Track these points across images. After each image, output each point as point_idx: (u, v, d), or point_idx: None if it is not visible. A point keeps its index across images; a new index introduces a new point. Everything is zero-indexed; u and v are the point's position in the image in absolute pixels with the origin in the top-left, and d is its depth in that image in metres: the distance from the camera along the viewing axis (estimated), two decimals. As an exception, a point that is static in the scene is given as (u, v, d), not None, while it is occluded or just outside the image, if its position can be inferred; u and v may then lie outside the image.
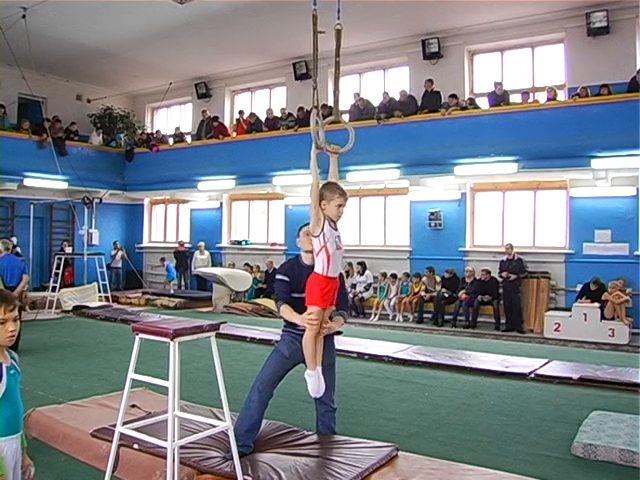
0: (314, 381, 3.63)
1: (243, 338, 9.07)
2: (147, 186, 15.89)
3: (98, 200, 13.88)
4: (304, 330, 3.66)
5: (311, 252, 3.72)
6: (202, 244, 15.21)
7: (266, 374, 4.04)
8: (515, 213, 11.98)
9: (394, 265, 12.41)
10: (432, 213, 12.33)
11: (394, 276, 12.20)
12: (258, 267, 14.48)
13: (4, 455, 2.28)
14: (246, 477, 3.37)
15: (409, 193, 12.59)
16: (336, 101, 4.13)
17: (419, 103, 12.01)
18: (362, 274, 12.56)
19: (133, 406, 4.55)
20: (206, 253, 15.24)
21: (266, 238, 15.24)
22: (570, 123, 9.99)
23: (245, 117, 14.59)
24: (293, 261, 4.02)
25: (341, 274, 3.92)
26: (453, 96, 11.56)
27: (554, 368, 6.88)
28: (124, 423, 3.35)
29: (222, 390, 3.25)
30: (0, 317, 2.28)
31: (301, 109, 13.23)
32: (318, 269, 3.50)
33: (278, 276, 3.98)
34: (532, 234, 11.68)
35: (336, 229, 3.54)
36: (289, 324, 3.95)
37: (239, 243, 15.42)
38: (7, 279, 7.57)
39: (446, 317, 11.44)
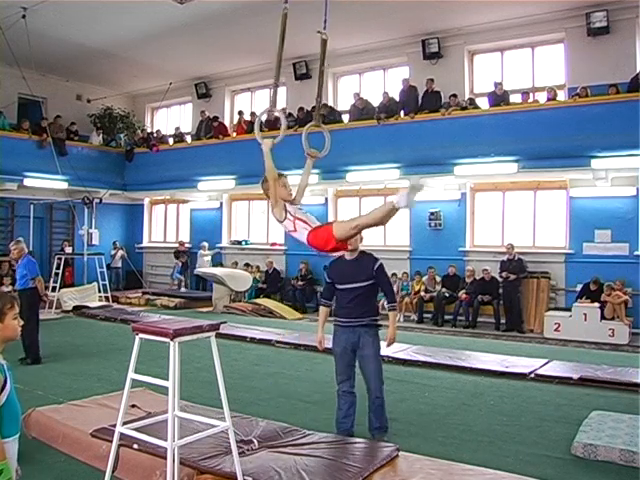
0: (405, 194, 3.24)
1: (243, 338, 9.09)
2: (147, 186, 15.89)
3: (98, 200, 13.89)
4: (346, 321, 4.41)
5: (353, 250, 4.45)
6: (205, 244, 15.12)
7: (336, 372, 4.59)
8: (515, 213, 11.97)
9: (394, 265, 12.37)
10: (432, 213, 12.32)
11: (394, 275, 12.18)
12: (258, 267, 14.48)
13: (9, 457, 2.26)
14: (246, 477, 3.37)
15: (409, 193, 12.56)
16: (318, 107, 4.43)
17: (419, 103, 12.01)
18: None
19: (133, 406, 4.55)
20: (209, 253, 15.15)
21: (266, 238, 15.23)
22: (570, 123, 9.98)
23: (245, 117, 14.60)
24: (337, 260, 4.63)
25: (381, 265, 4.51)
26: (453, 96, 11.56)
27: (554, 368, 6.88)
28: (124, 423, 3.36)
29: (222, 390, 3.25)
30: (16, 312, 2.38)
31: (301, 109, 13.24)
32: (306, 230, 3.58)
33: (325, 276, 4.74)
34: (532, 234, 11.67)
35: (293, 203, 3.78)
36: (335, 315, 4.58)
37: (239, 243, 15.42)
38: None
39: (446, 317, 11.44)
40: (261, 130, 4.29)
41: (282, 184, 3.80)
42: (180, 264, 15.22)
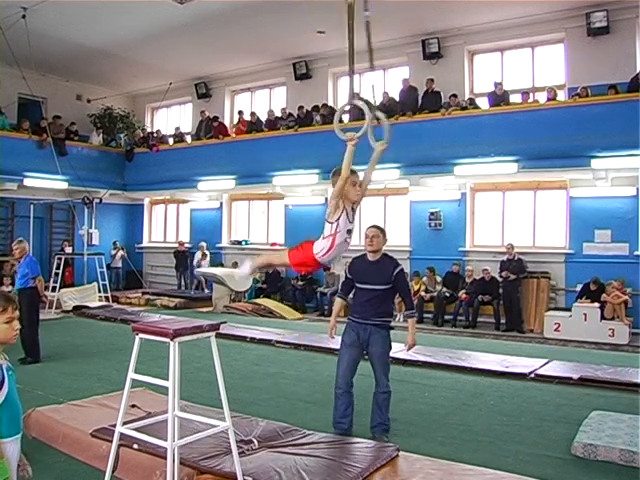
0: (239, 274, 4.07)
1: (243, 338, 9.09)
2: (147, 186, 15.89)
3: (98, 200, 13.88)
4: (359, 319, 4.50)
5: (375, 252, 4.53)
6: (204, 244, 14.98)
7: (338, 366, 4.62)
8: (515, 213, 11.97)
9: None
10: (432, 213, 12.32)
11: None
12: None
13: (8, 456, 2.27)
14: (246, 477, 3.37)
15: (409, 193, 12.58)
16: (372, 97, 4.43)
17: (419, 103, 12.02)
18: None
19: (133, 406, 4.55)
20: (207, 254, 14.91)
21: (266, 238, 15.23)
22: (570, 123, 9.98)
23: (245, 117, 14.61)
24: (359, 258, 4.69)
25: (402, 271, 4.56)
26: (453, 96, 11.56)
27: (554, 368, 6.88)
28: (124, 423, 3.36)
29: (222, 390, 3.25)
30: (8, 316, 2.33)
31: (301, 108, 13.25)
32: (316, 248, 3.50)
33: (346, 271, 4.82)
34: (532, 234, 11.67)
35: (352, 221, 3.58)
36: (350, 310, 4.69)
37: (239, 243, 15.41)
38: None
39: (446, 317, 11.44)
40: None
41: (352, 182, 3.63)
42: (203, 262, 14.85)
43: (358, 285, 4.59)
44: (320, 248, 3.50)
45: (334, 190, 3.55)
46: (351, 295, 4.93)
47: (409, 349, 4.69)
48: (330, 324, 4.82)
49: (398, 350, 7.76)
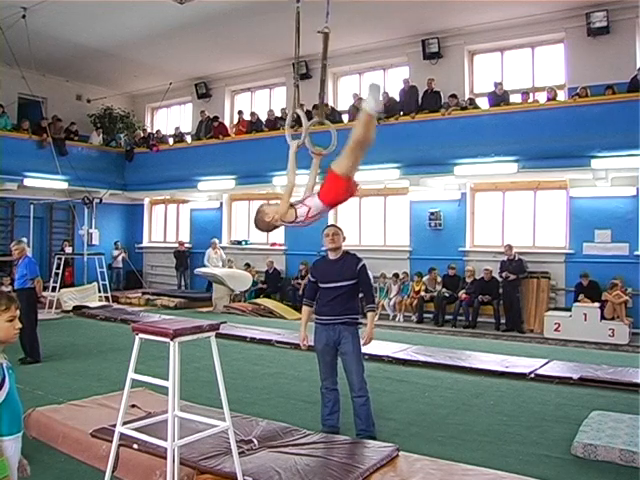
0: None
1: (243, 338, 9.09)
2: (147, 186, 15.89)
3: (98, 200, 13.88)
4: (327, 319, 4.50)
5: (335, 249, 4.56)
6: (216, 240, 14.63)
7: (319, 369, 4.69)
8: (515, 213, 11.97)
9: (394, 265, 12.40)
10: (432, 213, 12.32)
11: (396, 275, 12.18)
12: (254, 268, 14.44)
13: (9, 455, 2.27)
14: (246, 477, 3.37)
15: (409, 193, 12.58)
16: (321, 103, 4.57)
17: (419, 103, 12.02)
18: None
19: (133, 406, 4.55)
20: (220, 251, 14.65)
21: (266, 238, 15.21)
22: (570, 123, 9.98)
23: (245, 117, 14.61)
24: (320, 260, 4.80)
25: (364, 266, 4.60)
26: (453, 96, 11.56)
27: (554, 368, 6.89)
28: (124, 423, 3.36)
29: (222, 390, 3.25)
30: (10, 315, 2.36)
31: (301, 106, 13.23)
32: (315, 197, 3.95)
33: (309, 276, 4.88)
34: (532, 234, 11.67)
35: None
36: (316, 313, 4.68)
37: (239, 243, 15.41)
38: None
39: (446, 317, 11.44)
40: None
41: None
42: None
43: (322, 285, 4.58)
44: (314, 201, 3.91)
45: (284, 197, 4.04)
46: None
47: (366, 343, 4.58)
48: (301, 335, 4.73)
49: (398, 350, 7.83)
